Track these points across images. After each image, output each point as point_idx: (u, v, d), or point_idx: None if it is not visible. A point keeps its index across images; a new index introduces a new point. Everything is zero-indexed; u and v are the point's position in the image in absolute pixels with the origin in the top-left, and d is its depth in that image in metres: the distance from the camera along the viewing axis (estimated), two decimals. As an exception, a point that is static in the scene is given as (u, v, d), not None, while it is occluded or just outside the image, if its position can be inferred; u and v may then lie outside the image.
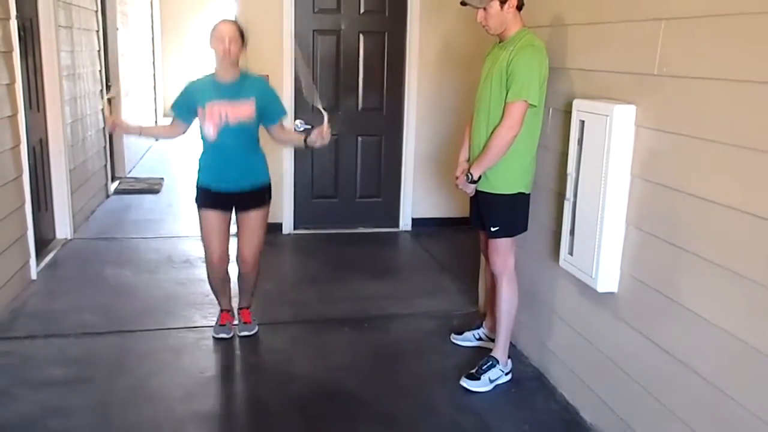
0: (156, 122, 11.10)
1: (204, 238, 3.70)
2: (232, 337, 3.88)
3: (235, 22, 3.53)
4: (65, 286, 4.66)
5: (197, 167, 3.66)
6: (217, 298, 3.95)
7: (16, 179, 4.42)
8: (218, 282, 3.84)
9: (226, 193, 3.60)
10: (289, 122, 5.70)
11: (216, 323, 3.94)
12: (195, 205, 3.68)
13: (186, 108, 3.57)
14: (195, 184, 3.66)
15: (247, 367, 3.69)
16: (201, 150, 3.63)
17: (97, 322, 4.05)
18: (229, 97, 3.47)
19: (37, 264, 4.80)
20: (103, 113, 3.91)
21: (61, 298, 4.42)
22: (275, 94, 3.69)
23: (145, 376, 3.47)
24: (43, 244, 5.14)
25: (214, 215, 3.63)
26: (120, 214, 6.61)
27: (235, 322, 3.97)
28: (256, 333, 3.92)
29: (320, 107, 3.64)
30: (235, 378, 3.61)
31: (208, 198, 3.62)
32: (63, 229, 5.62)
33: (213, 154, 3.58)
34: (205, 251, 3.73)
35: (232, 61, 3.45)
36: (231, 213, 3.68)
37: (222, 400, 3.40)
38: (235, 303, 4.02)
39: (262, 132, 3.65)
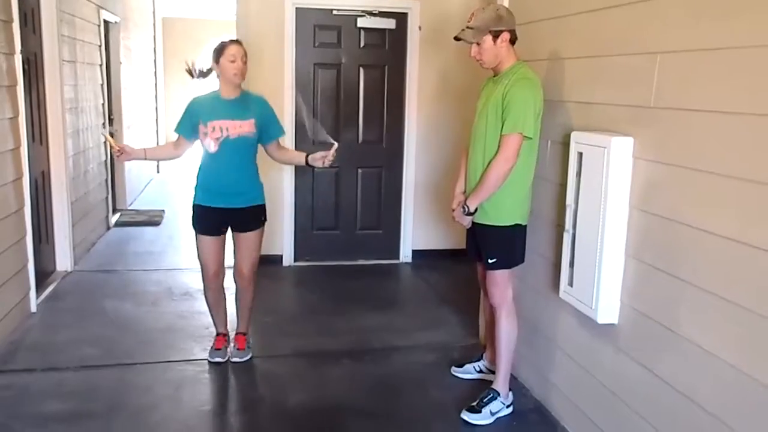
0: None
1: (200, 257, 3.83)
2: (226, 361, 3.94)
3: (241, 42, 3.66)
4: (65, 319, 4.65)
5: (195, 184, 3.76)
6: (213, 319, 4.01)
7: (17, 212, 4.44)
8: (214, 296, 3.93)
9: (222, 210, 3.69)
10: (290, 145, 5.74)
11: (212, 347, 3.99)
12: (192, 228, 3.79)
13: (190, 125, 3.69)
14: (192, 203, 3.76)
15: (247, 400, 3.66)
16: (200, 169, 3.73)
17: (97, 355, 4.03)
18: (230, 117, 3.61)
19: (37, 296, 4.79)
20: (106, 145, 4.02)
21: (61, 331, 4.41)
22: (274, 113, 3.81)
23: (145, 409, 3.45)
24: (43, 276, 5.14)
25: (209, 241, 3.76)
26: (121, 247, 6.62)
27: (231, 346, 4.03)
28: (248, 360, 3.97)
29: (329, 139, 3.76)
30: (235, 412, 3.58)
31: (204, 220, 3.74)
32: (63, 261, 5.62)
33: (211, 166, 3.67)
34: (202, 267, 3.85)
35: (241, 80, 3.60)
36: (226, 234, 3.81)
37: (221, 434, 3.38)
38: (232, 327, 4.08)
39: (261, 158, 3.78)
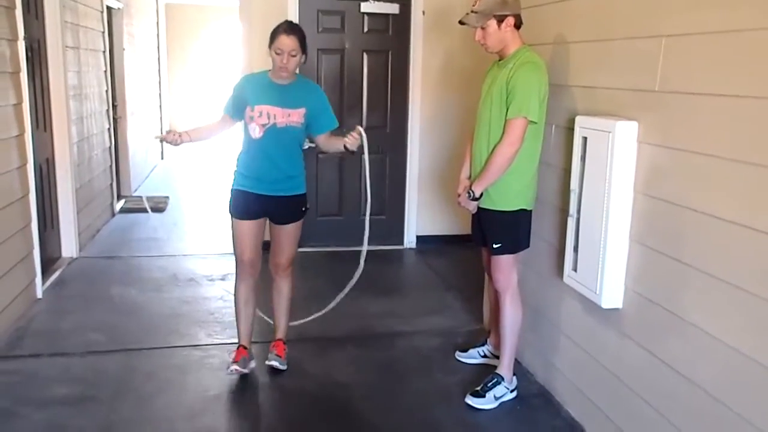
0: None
1: (235, 243, 3.59)
2: (246, 372, 3.64)
3: (298, 32, 3.40)
4: (71, 305, 4.67)
5: (234, 168, 3.57)
6: (238, 325, 3.72)
7: (22, 198, 4.45)
8: (246, 291, 3.64)
9: (263, 197, 3.50)
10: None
11: (231, 360, 3.65)
12: (228, 213, 3.58)
13: (237, 106, 3.49)
14: (231, 188, 3.56)
15: (252, 385, 3.68)
16: (240, 149, 3.55)
17: (102, 341, 4.06)
18: (280, 104, 3.41)
19: (43, 282, 4.82)
20: (163, 144, 3.72)
21: (67, 317, 4.43)
22: (327, 103, 3.60)
23: (150, 394, 3.47)
24: (49, 262, 5.16)
25: (246, 225, 3.54)
26: (125, 233, 6.63)
27: (252, 362, 3.72)
28: (285, 369, 3.71)
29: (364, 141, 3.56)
30: (239, 396, 3.60)
31: (241, 204, 3.53)
32: (69, 247, 5.64)
33: (254, 153, 3.48)
34: (236, 255, 3.61)
35: (289, 74, 3.41)
36: (265, 221, 3.61)
37: (226, 419, 3.40)
38: (255, 339, 3.85)
39: None
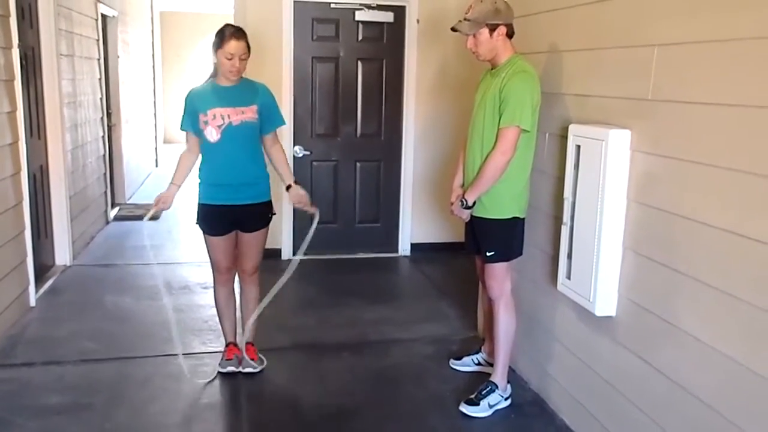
0: (156, 149, 11.14)
1: (211, 255, 3.68)
2: (239, 371, 3.74)
3: (244, 35, 3.42)
4: (64, 313, 4.65)
5: (198, 181, 3.59)
6: (222, 324, 3.83)
7: (16, 206, 4.44)
8: (225, 294, 3.76)
9: (228, 208, 3.53)
10: (289, 148, 5.75)
11: (222, 357, 3.80)
12: (198, 227, 3.63)
13: (193, 120, 3.49)
14: (197, 202, 3.59)
15: (246, 393, 3.67)
16: (201, 161, 3.56)
17: (96, 349, 4.04)
18: (230, 104, 3.44)
19: (36, 290, 4.80)
20: (151, 217, 3.74)
21: (60, 325, 4.42)
22: (275, 102, 3.63)
23: (144, 402, 3.46)
24: (42, 270, 5.14)
25: (218, 241, 3.62)
26: (119, 241, 6.62)
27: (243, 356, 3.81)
28: (262, 371, 3.78)
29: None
30: (233, 404, 3.59)
31: (210, 221, 3.57)
32: (62, 255, 5.62)
33: (215, 158, 3.49)
34: (212, 263, 3.71)
35: (239, 76, 3.45)
36: (235, 232, 3.63)
37: (220, 427, 3.39)
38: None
39: None
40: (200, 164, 3.58)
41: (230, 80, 3.46)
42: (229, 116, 3.43)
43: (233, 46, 3.35)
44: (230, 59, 3.36)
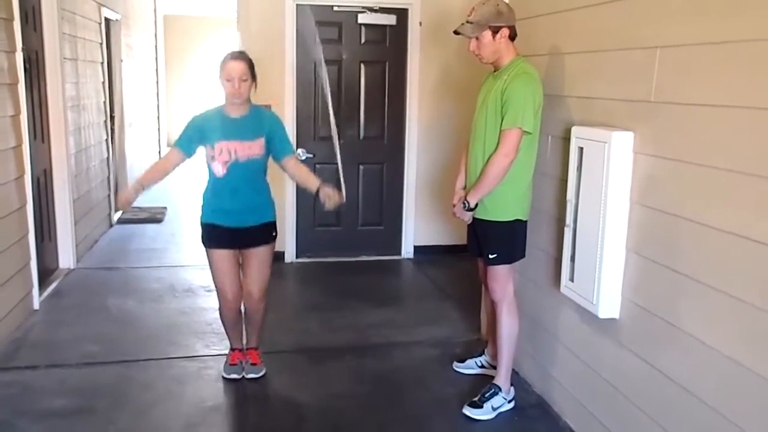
0: (159, 152, 11.16)
1: (215, 279, 3.61)
2: (242, 378, 3.74)
3: (245, 58, 3.41)
4: (68, 316, 4.66)
5: (201, 203, 3.58)
6: (229, 336, 3.82)
7: (19, 209, 4.45)
8: (232, 319, 3.72)
9: (232, 229, 3.51)
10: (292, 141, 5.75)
11: (226, 363, 3.80)
12: (202, 245, 3.60)
13: (191, 142, 3.45)
14: (200, 222, 3.58)
15: (249, 396, 3.67)
16: (205, 186, 3.55)
17: (100, 352, 4.05)
18: (238, 137, 3.39)
19: (40, 294, 4.81)
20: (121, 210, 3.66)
21: (64, 328, 4.42)
22: (284, 131, 3.59)
23: (147, 405, 3.46)
24: (46, 273, 5.15)
25: (222, 255, 3.55)
26: (123, 244, 6.63)
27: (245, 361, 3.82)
28: (263, 375, 3.77)
29: (341, 176, 3.65)
30: (237, 407, 3.59)
31: (214, 237, 3.54)
32: (66, 258, 5.63)
33: (219, 190, 3.49)
34: (218, 291, 3.64)
35: (242, 100, 3.39)
36: (239, 250, 3.60)
37: (224, 430, 3.39)
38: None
39: (271, 167, 3.58)
40: (205, 190, 3.56)
41: (235, 105, 3.41)
42: (236, 151, 3.39)
43: (231, 67, 3.33)
44: (230, 81, 3.32)
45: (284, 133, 3.60)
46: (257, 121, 3.48)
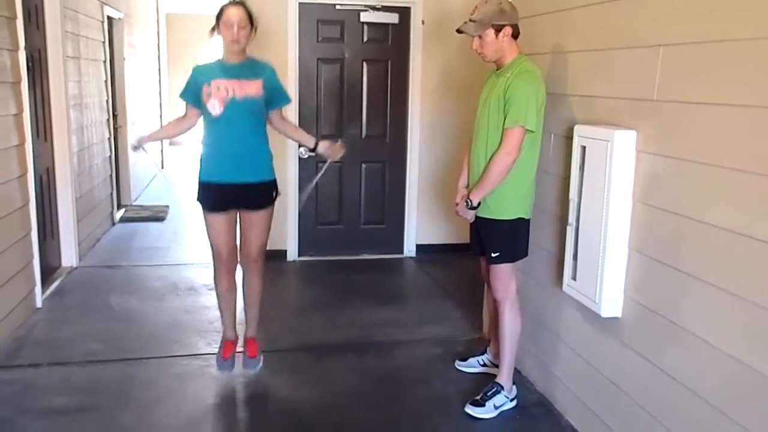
0: (162, 150, 11.18)
1: (211, 237, 3.56)
2: (233, 372, 3.72)
3: (244, 6, 3.38)
4: (70, 314, 4.67)
5: (199, 160, 3.52)
6: (222, 315, 3.76)
7: (22, 207, 4.45)
8: (226, 283, 3.65)
9: (230, 186, 3.45)
10: (293, 148, 5.76)
11: (218, 355, 3.74)
12: (198, 204, 3.54)
13: (195, 92, 3.43)
14: (197, 180, 3.52)
15: (251, 394, 3.67)
16: (203, 140, 3.49)
17: (102, 350, 4.05)
18: (236, 77, 3.37)
19: (43, 292, 4.81)
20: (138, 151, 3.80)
21: (66, 326, 4.43)
22: (279, 81, 3.56)
23: (150, 403, 3.47)
24: (48, 271, 5.16)
25: (219, 219, 3.49)
26: (125, 242, 6.64)
27: (239, 349, 3.79)
28: (260, 369, 3.74)
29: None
30: (239, 405, 3.60)
31: (211, 198, 3.48)
32: (69, 256, 5.64)
33: (217, 135, 3.43)
34: (212, 249, 3.59)
35: (240, 49, 3.37)
36: (236, 212, 3.54)
37: (225, 428, 3.39)
38: (240, 331, 3.87)
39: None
40: (203, 141, 3.50)
41: (234, 53, 3.39)
42: (233, 90, 3.34)
43: (231, 12, 3.31)
44: (229, 28, 3.30)
45: (280, 84, 3.59)
46: (255, 67, 3.47)
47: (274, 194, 3.58)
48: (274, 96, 3.52)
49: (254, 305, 3.77)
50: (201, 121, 3.53)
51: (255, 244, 3.59)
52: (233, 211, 3.53)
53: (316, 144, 3.58)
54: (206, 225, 3.56)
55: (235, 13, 3.31)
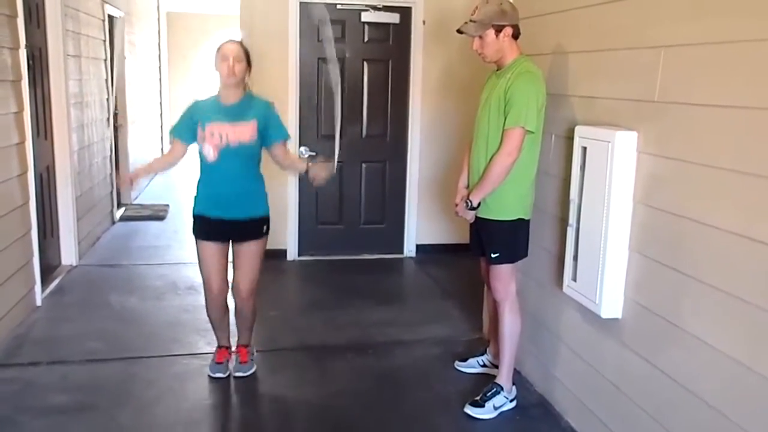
0: (162, 149, 11.17)
1: (202, 270, 3.61)
2: (228, 376, 3.73)
3: (241, 43, 3.47)
4: (70, 313, 4.67)
5: (194, 194, 3.58)
6: (216, 333, 3.81)
7: (22, 206, 4.45)
8: (217, 313, 3.71)
9: (223, 221, 3.49)
10: (294, 148, 5.76)
11: (212, 361, 3.79)
12: (193, 236, 3.61)
13: (187, 128, 3.49)
14: (192, 213, 3.59)
15: (250, 394, 3.67)
16: (199, 176, 3.55)
17: (102, 349, 4.05)
18: (230, 119, 3.41)
19: (43, 290, 4.81)
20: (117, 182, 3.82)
21: (66, 325, 4.43)
22: (278, 117, 3.58)
23: (149, 403, 3.47)
24: (48, 270, 5.15)
25: (211, 247, 3.54)
26: (125, 241, 6.63)
27: (233, 348, 3.83)
28: (252, 374, 3.77)
29: (338, 141, 3.66)
30: (239, 405, 3.60)
31: (204, 228, 3.54)
32: (69, 255, 5.64)
33: (211, 177, 3.49)
34: (204, 282, 3.63)
35: (236, 82, 3.39)
36: (228, 244, 3.58)
37: (225, 428, 3.39)
38: (234, 339, 3.88)
39: (265, 160, 3.59)
40: (199, 179, 3.56)
41: (230, 87, 3.42)
42: (227, 136, 3.39)
43: (227, 47, 3.38)
44: (225, 60, 3.35)
45: (278, 119, 3.59)
46: (251, 106, 3.49)
47: (264, 228, 3.60)
48: (269, 133, 3.51)
49: (246, 330, 3.82)
50: (192, 149, 3.58)
51: (245, 280, 3.60)
52: (225, 243, 3.58)
53: (307, 171, 3.58)
54: (199, 256, 3.61)
55: (231, 48, 3.39)
